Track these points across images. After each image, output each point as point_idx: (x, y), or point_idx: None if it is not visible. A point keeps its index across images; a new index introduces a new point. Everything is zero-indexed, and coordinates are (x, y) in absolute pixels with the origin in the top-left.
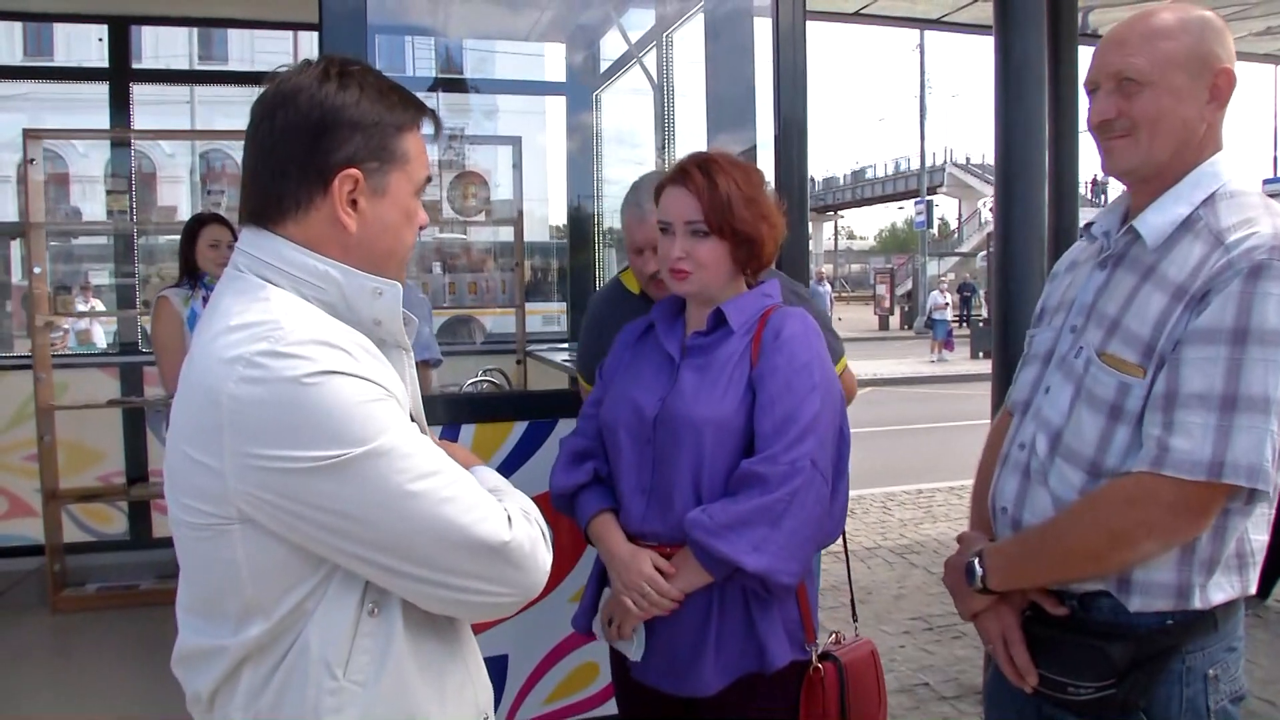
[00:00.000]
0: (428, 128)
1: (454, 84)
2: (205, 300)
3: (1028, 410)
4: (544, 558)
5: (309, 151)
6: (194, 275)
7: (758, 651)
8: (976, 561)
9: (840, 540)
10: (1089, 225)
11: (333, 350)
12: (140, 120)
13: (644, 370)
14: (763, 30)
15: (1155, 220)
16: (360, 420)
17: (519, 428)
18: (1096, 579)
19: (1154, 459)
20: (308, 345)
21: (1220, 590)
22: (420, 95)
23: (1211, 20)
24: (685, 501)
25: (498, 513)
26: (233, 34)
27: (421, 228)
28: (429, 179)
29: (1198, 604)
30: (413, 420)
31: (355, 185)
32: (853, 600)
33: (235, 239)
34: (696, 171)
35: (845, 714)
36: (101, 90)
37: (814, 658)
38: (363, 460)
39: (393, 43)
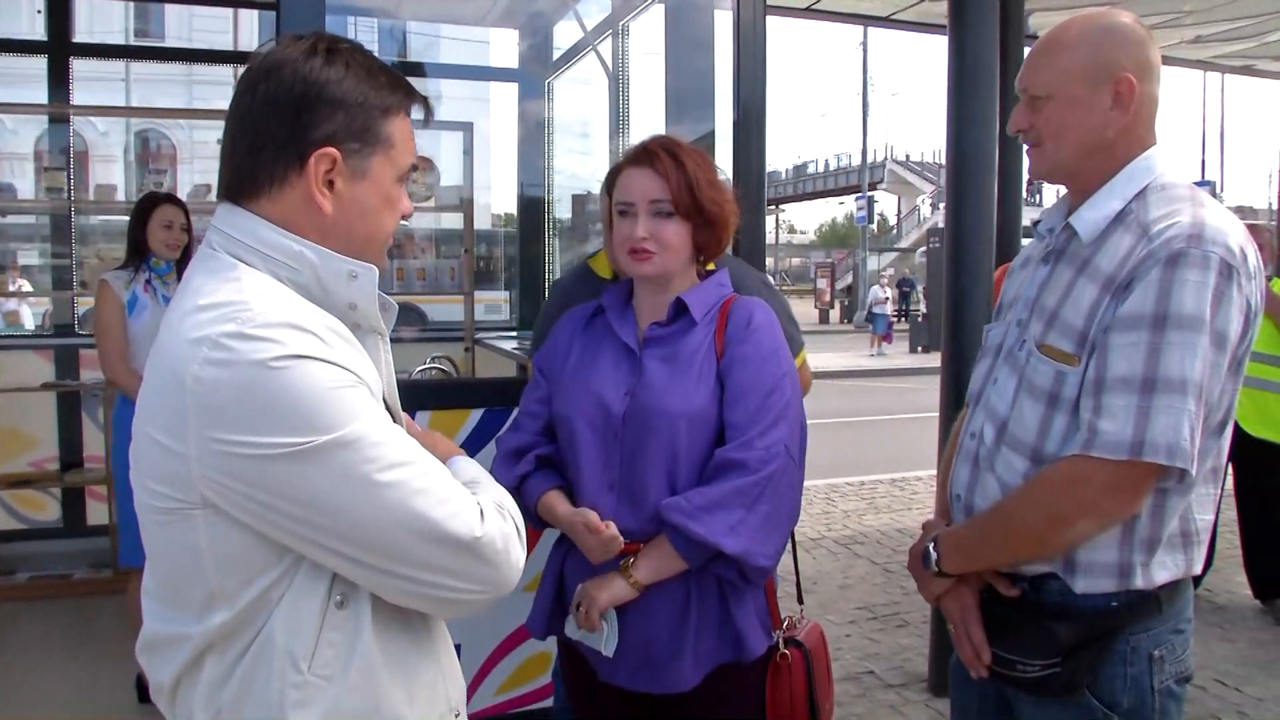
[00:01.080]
0: (417, 113)
1: (404, 68)
2: (148, 284)
3: (979, 401)
4: (517, 555)
5: (287, 126)
6: (141, 256)
7: (735, 641)
8: (931, 546)
9: None
10: (1036, 223)
11: (302, 334)
12: (74, 96)
13: (600, 361)
14: (723, 22)
15: (1089, 216)
16: (329, 406)
17: (475, 415)
18: (1042, 559)
19: (1084, 442)
20: (276, 328)
21: (1164, 569)
22: None
23: (1115, 28)
24: (660, 495)
25: (470, 506)
26: (170, 10)
27: (405, 216)
28: (414, 166)
29: (1140, 583)
30: (387, 408)
31: (332, 165)
32: (798, 584)
33: (187, 220)
34: (662, 152)
35: (813, 697)
36: (34, 65)
37: (780, 644)
38: (330, 448)
39: (344, 24)
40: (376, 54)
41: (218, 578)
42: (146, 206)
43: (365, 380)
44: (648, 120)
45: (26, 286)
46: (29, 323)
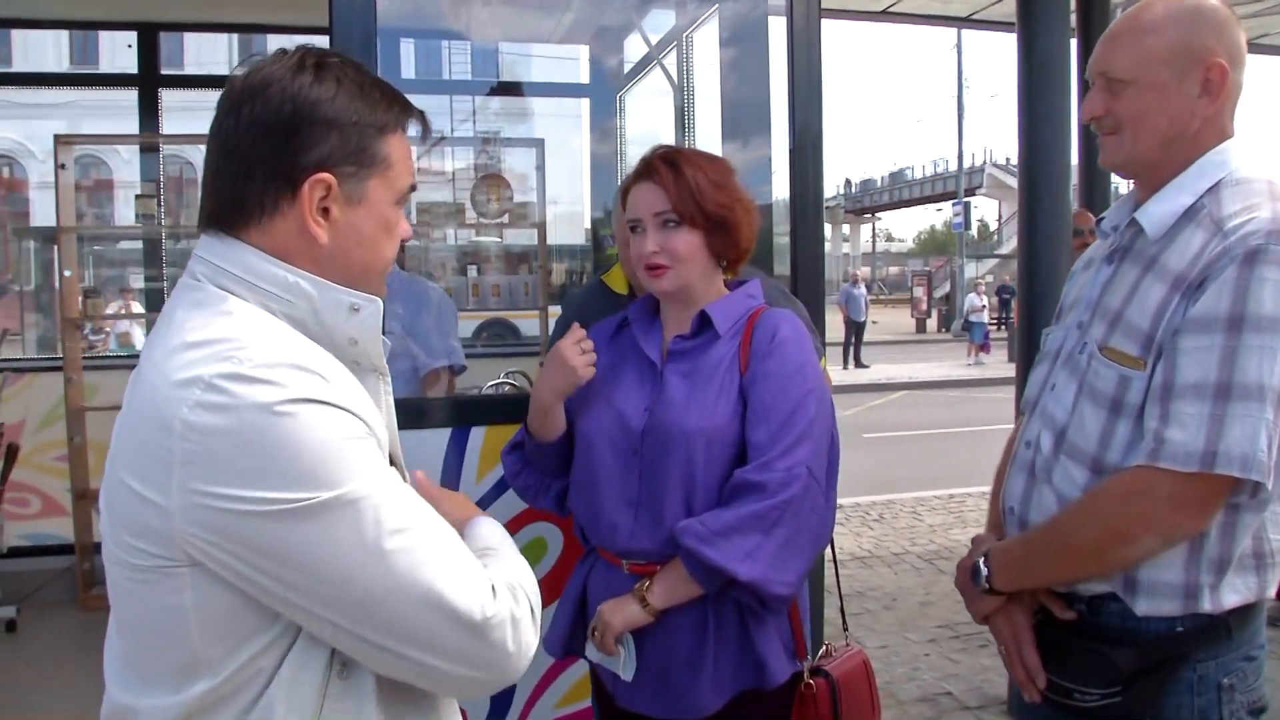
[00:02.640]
0: (414, 130)
1: (477, 86)
2: None
3: (1035, 408)
4: (528, 640)
5: (277, 151)
6: None
7: (756, 667)
8: (982, 561)
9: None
10: (1100, 220)
11: (307, 375)
12: (180, 125)
13: (624, 376)
14: (778, 30)
15: (1156, 211)
16: (334, 459)
17: None
18: (1101, 578)
19: (1151, 451)
20: (278, 368)
21: (1234, 592)
22: (442, 98)
23: (1205, 11)
24: (676, 515)
25: (480, 582)
26: (272, 40)
27: (404, 240)
28: (413, 187)
29: (1208, 606)
30: (391, 463)
31: (328, 192)
32: (842, 610)
33: None
34: (660, 164)
35: None
36: (131, 97)
37: (805, 673)
38: (333, 506)
39: (412, 45)
40: (453, 72)
41: (202, 643)
42: None
43: (374, 430)
44: (713, 130)
45: (137, 308)
46: (140, 344)
